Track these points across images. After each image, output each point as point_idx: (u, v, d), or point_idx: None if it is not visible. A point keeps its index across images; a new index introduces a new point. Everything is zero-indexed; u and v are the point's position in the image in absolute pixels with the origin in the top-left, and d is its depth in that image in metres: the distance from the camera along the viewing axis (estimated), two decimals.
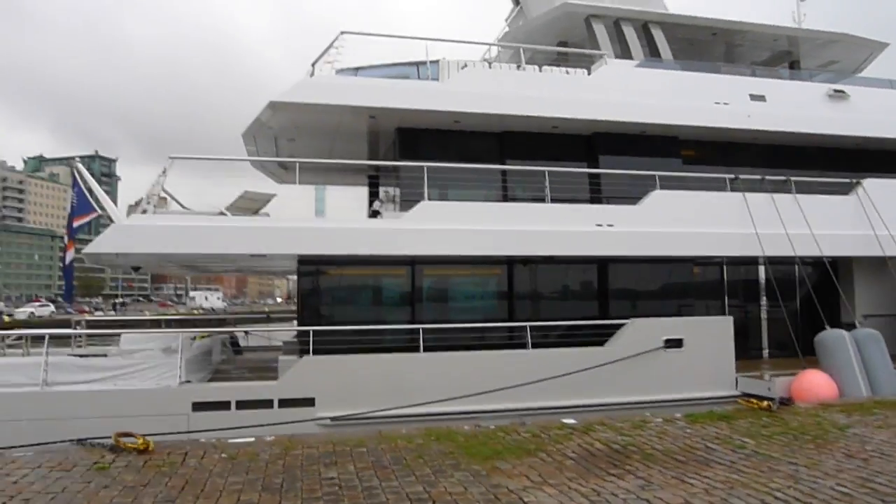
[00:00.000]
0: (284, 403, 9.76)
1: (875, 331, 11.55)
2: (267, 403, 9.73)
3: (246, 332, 17.10)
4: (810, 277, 14.08)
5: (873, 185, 13.39)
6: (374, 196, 15.42)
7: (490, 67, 12.69)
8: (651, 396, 11.21)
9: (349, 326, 10.83)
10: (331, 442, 7.18)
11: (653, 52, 13.95)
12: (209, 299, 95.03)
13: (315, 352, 10.05)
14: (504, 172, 12.56)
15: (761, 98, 13.77)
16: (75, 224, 13.58)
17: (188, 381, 9.78)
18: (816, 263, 13.68)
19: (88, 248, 9.67)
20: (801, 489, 5.30)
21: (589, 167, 12.99)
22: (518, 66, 12.71)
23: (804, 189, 13.04)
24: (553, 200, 11.67)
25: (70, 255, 13.65)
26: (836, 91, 14.41)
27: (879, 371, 10.98)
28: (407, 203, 11.68)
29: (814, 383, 10.52)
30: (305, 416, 9.79)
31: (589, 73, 13.00)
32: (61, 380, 9.42)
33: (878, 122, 14.33)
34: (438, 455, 6.60)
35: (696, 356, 11.44)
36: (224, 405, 9.60)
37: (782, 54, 16.53)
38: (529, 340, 10.93)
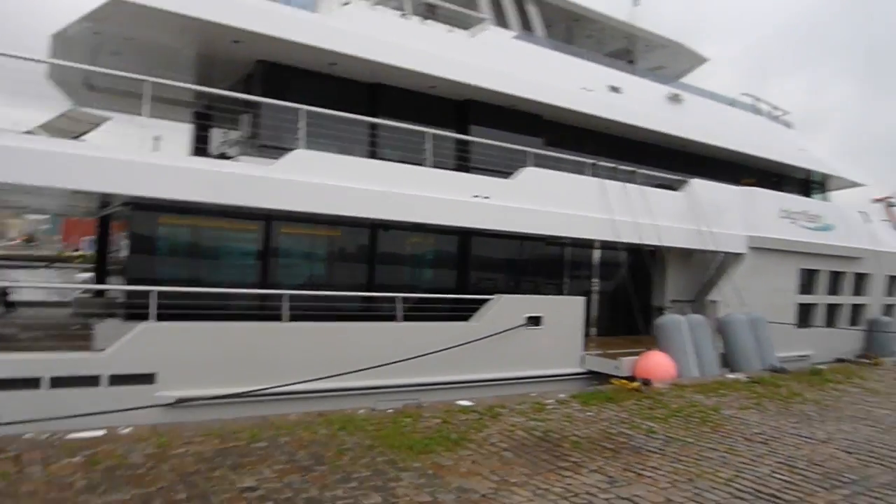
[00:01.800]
0: (116, 380, 7.82)
1: (702, 316, 12.78)
2: (91, 381, 7.71)
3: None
4: (635, 263, 15.23)
5: (697, 185, 14.76)
6: (202, 137, 13.23)
7: (372, 7, 11.40)
8: (511, 373, 11.19)
9: (205, 289, 9.06)
10: (215, 435, 5.79)
11: (525, 26, 13.77)
12: None
13: (140, 317, 8.17)
14: (374, 130, 11.46)
15: (617, 90, 14.38)
16: None
17: None
18: (640, 251, 14.76)
19: None
20: (748, 478, 5.36)
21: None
22: (402, 14, 11.63)
23: (645, 182, 13.93)
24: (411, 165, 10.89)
25: None
26: (673, 94, 15.62)
27: (705, 352, 12.17)
28: (268, 149, 10.11)
29: (657, 363, 11.26)
30: (143, 396, 7.96)
31: (470, 37, 12.37)
32: None
33: (704, 128, 15.85)
34: (360, 449, 5.64)
35: (552, 334, 11.63)
36: (32, 383, 7.40)
37: (622, 51, 17.49)
38: (400, 313, 10.15)
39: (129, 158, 8.32)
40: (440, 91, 12.21)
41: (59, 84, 12.18)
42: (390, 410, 7.35)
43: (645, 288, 15.50)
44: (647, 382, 9.82)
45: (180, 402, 8.11)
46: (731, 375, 11.16)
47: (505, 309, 11.11)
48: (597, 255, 15.19)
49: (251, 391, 8.40)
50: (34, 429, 5.95)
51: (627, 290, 14.48)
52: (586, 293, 14.53)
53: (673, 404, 8.39)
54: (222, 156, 10.98)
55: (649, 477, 5.29)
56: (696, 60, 18.07)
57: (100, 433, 5.66)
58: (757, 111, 18.73)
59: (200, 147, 12.45)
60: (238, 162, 9.60)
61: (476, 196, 11.03)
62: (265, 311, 9.24)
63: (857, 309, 18.75)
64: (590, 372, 12.11)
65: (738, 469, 5.61)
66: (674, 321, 12.18)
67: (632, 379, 9.88)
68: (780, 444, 6.57)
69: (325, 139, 10.60)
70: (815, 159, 19.92)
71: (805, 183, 20.77)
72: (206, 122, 13.19)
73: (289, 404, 8.06)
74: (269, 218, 10.12)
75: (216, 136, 13.45)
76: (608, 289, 15.38)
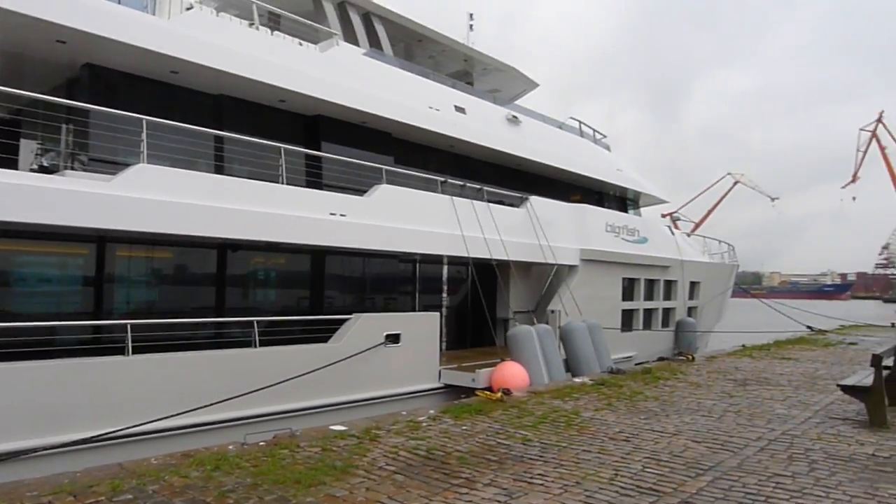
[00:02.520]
0: None
1: (548, 326, 13.55)
2: None
3: None
4: (480, 277, 15.81)
5: (536, 202, 15.71)
6: (9, 148, 11.45)
7: (217, 15, 10.72)
8: (373, 392, 11.05)
9: (34, 323, 7.81)
10: (66, 492, 5.00)
11: (373, 44, 13.78)
12: None
13: None
14: (220, 144, 10.77)
15: (462, 110, 14.88)
16: None
17: None
18: (487, 265, 15.37)
19: None
20: (626, 475, 5.73)
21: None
22: (251, 24, 11.06)
23: (488, 198, 14.54)
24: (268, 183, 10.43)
25: None
26: (513, 116, 16.51)
27: (553, 360, 12.91)
28: (98, 164, 9.09)
29: (511, 373, 11.74)
30: None
31: (320, 51, 12.10)
32: None
33: (538, 148, 16.93)
34: (244, 489, 5.20)
35: (411, 351, 11.67)
36: None
37: (461, 73, 18.21)
38: (257, 337, 9.58)
39: None
40: (290, 105, 11.80)
41: None
42: (262, 443, 6.89)
43: (489, 301, 16.18)
44: (507, 392, 10.18)
45: (8, 457, 6.91)
46: (577, 380, 11.94)
47: (364, 328, 10.95)
48: (444, 270, 15.57)
49: (97, 436, 7.40)
50: None
51: (473, 304, 14.98)
52: (437, 308, 14.81)
53: (537, 411, 8.77)
54: (42, 169, 9.62)
55: (540, 485, 5.45)
56: (529, 85, 19.31)
57: None
58: (581, 134, 20.43)
59: (7, 159, 10.77)
60: (66, 177, 8.47)
61: (333, 214, 10.78)
62: (106, 345, 8.23)
63: (667, 312, 21.08)
64: (447, 386, 12.31)
65: (615, 468, 5.98)
66: (526, 332, 12.79)
67: (491, 390, 10.18)
68: (641, 441, 7.12)
69: (166, 153, 9.75)
70: (631, 178, 22.18)
71: (622, 200, 23.00)
72: (14, 130, 11.43)
73: (144, 446, 7.23)
74: (103, 240, 9.07)
75: (26, 147, 11.74)
76: (455, 303, 15.82)
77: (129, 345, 8.15)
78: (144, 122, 8.73)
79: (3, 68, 10.15)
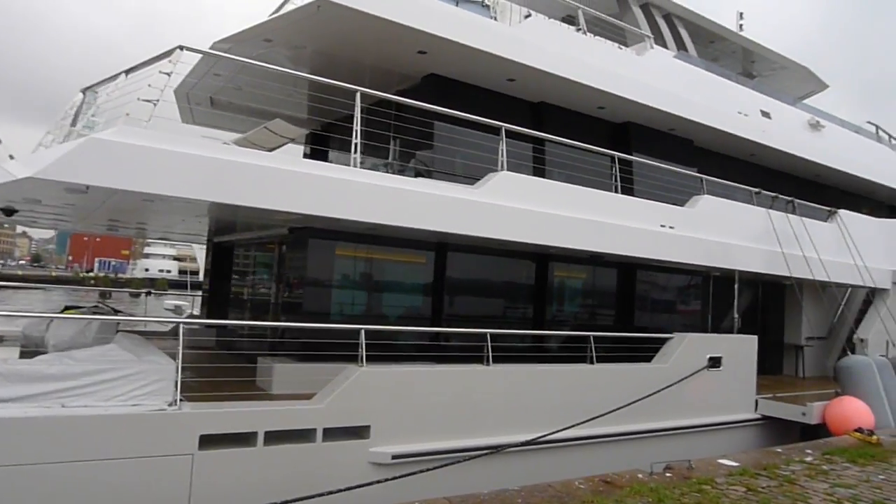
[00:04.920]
0: (330, 435, 6.79)
1: (884, 359, 11.77)
2: (306, 435, 6.68)
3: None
4: (765, 298, 14.37)
5: (846, 216, 13.87)
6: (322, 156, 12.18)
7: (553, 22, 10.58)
8: (691, 420, 10.16)
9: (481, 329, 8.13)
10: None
11: (679, 47, 12.99)
12: None
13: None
14: (542, 150, 10.59)
15: (768, 115, 13.56)
16: None
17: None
18: (775, 284, 13.78)
19: (37, 172, 5.59)
20: None
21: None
22: (578, 29, 10.82)
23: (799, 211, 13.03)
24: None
25: None
26: (816, 121, 14.81)
27: (894, 399, 11.12)
28: (441, 175, 9.28)
29: (854, 411, 10.20)
30: (356, 452, 6.93)
31: (636, 55, 11.56)
32: None
33: (841, 156, 15.01)
34: None
35: (731, 376, 10.65)
36: (246, 439, 6.37)
37: (744, 73, 16.71)
38: (593, 354, 9.17)
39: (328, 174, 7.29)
40: (604, 112, 11.38)
41: (181, 98, 11.27)
42: (668, 475, 6.36)
43: (776, 324, 14.63)
44: (871, 434, 8.82)
45: (396, 459, 7.08)
46: None
47: (689, 349, 10.13)
48: (736, 289, 14.25)
49: (494, 446, 7.39)
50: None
51: (762, 327, 13.54)
52: (728, 329, 13.54)
53: None
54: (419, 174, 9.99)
55: None
56: (818, 85, 17.30)
57: None
58: (879, 139, 17.93)
59: None
60: (424, 183, 8.61)
61: (663, 225, 10.13)
62: (463, 353, 8.25)
63: None
64: (764, 417, 11.09)
65: None
66: (865, 364, 11.16)
67: (861, 431, 8.86)
68: None
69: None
70: None
71: None
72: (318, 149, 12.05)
73: (518, 459, 7.12)
74: (442, 247, 9.26)
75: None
76: (744, 325, 14.42)
77: (489, 354, 8.09)
78: (503, 131, 8.70)
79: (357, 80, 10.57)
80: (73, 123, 7.63)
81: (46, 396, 5.73)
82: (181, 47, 6.48)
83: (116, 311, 11.36)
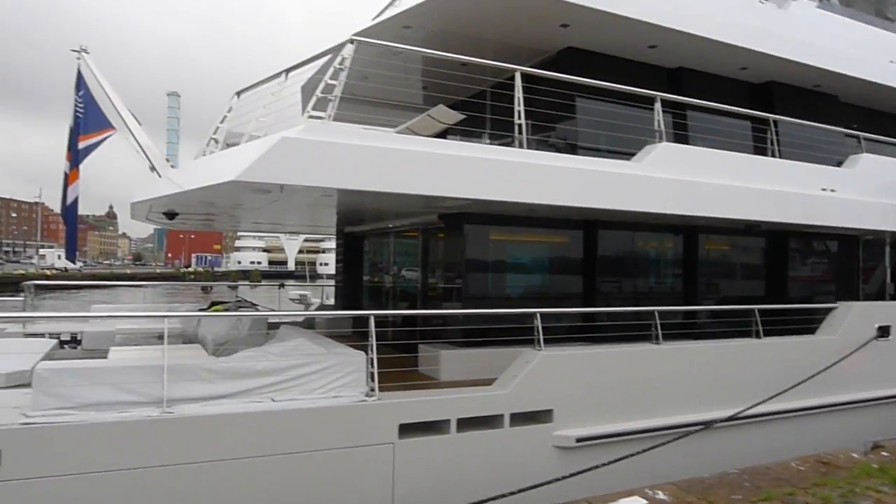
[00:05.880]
0: (517, 420, 6.77)
1: None
2: (493, 421, 6.69)
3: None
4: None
5: None
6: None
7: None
8: (859, 395, 9.55)
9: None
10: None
11: None
12: (62, 258, 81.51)
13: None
14: (683, 118, 10.12)
15: None
16: (81, 144, 9.30)
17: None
18: None
19: (240, 174, 5.76)
20: None
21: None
22: None
23: None
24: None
25: (74, 190, 9.34)
26: None
27: None
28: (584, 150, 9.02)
29: None
30: (541, 436, 6.90)
31: (778, 7, 10.83)
32: (182, 394, 5.70)
33: None
34: None
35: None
36: (439, 426, 6.43)
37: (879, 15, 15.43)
38: (759, 328, 8.76)
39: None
40: (746, 73, 10.77)
41: (307, 92, 11.40)
42: (885, 454, 5.96)
43: None
44: None
45: (581, 442, 7.00)
46: None
47: (856, 318, 9.53)
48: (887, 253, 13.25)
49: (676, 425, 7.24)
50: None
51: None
52: (880, 297, 12.65)
53: None
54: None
55: None
56: None
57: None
58: None
59: None
60: (585, 160, 8.35)
61: (824, 189, 9.52)
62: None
63: None
64: None
65: None
66: None
67: None
68: None
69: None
70: None
71: None
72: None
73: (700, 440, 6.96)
74: (591, 225, 9.05)
75: None
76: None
77: (659, 332, 7.87)
78: (658, 100, 8.36)
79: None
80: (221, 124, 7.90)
81: (257, 391, 5.96)
82: (352, 40, 6.50)
83: (253, 305, 11.81)
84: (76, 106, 9.24)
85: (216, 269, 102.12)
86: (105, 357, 7.58)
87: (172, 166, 9.12)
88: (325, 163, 6.02)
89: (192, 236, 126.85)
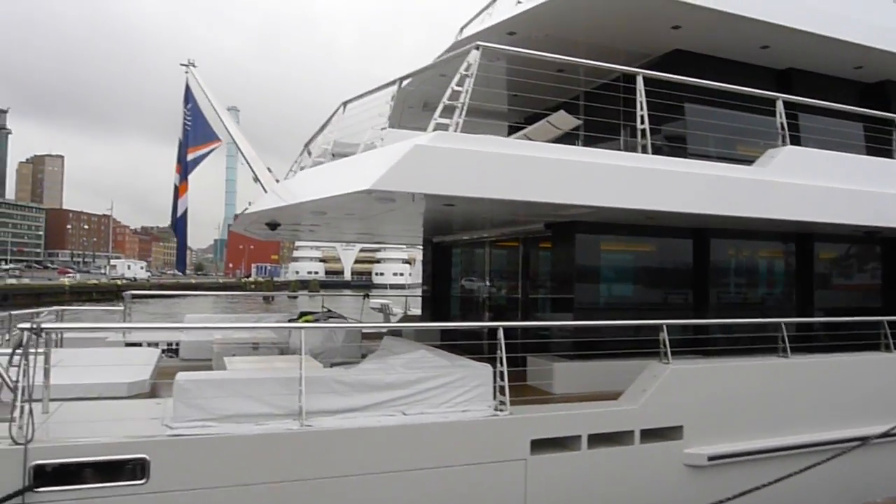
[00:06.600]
0: (646, 436, 6.50)
1: None
2: (622, 437, 6.43)
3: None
4: None
5: None
6: None
7: None
8: None
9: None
10: None
11: None
12: (132, 268, 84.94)
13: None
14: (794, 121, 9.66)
15: None
16: (190, 156, 9.50)
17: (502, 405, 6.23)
18: None
19: (375, 183, 5.68)
20: None
21: None
22: None
23: None
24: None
25: (184, 202, 9.54)
26: None
27: None
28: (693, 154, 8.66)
29: None
30: (671, 454, 6.60)
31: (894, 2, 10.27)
32: (317, 407, 5.64)
33: None
34: None
35: None
36: (569, 442, 6.22)
37: None
38: (890, 341, 8.22)
39: None
40: (859, 73, 10.23)
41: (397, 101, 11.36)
42: None
43: None
44: None
45: (713, 461, 6.67)
46: None
47: None
48: None
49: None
50: None
51: None
52: None
53: None
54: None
55: None
56: None
57: None
58: None
59: None
60: (706, 165, 8.00)
61: None
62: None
63: None
64: None
65: None
66: None
67: None
68: None
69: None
70: None
71: None
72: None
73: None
74: (701, 233, 8.71)
75: None
76: None
77: (787, 345, 7.47)
78: (780, 102, 7.99)
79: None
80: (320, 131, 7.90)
81: (387, 405, 5.87)
82: (477, 46, 6.40)
83: (341, 317, 11.85)
84: (185, 118, 9.48)
85: (276, 278, 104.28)
86: (210, 368, 7.69)
87: (277, 180, 9.25)
88: (456, 171, 5.93)
89: (252, 246, 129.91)
